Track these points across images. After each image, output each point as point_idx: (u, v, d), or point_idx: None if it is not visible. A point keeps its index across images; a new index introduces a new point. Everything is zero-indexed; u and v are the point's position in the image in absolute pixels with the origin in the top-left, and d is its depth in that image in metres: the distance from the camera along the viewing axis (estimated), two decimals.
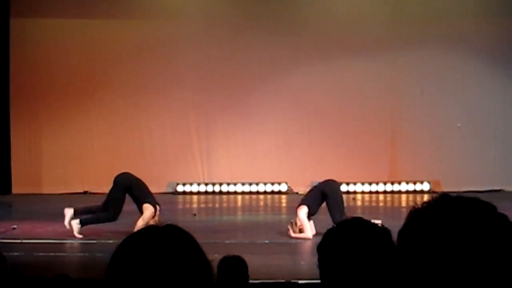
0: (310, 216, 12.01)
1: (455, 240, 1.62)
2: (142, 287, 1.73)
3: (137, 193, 12.18)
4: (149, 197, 12.18)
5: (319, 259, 2.69)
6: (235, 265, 6.11)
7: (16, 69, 18.78)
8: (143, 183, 12.34)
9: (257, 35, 18.55)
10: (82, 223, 12.04)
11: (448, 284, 1.61)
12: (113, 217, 12.14)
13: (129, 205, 12.99)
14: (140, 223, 11.42)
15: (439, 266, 1.62)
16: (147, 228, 1.85)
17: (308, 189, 13.05)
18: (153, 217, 11.93)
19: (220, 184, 18.75)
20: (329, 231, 2.73)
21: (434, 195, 1.73)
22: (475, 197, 1.73)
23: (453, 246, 1.62)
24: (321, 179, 12.78)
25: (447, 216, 1.65)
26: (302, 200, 12.23)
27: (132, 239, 1.81)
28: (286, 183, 18.28)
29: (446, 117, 18.47)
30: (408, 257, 1.67)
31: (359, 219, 2.76)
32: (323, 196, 12.12)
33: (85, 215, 12.22)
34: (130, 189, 12.17)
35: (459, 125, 18.31)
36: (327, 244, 2.68)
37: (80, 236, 11.90)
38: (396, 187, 18.53)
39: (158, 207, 12.17)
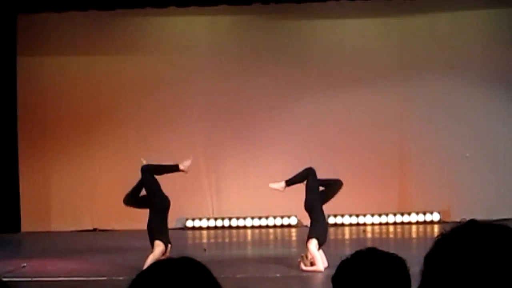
0: (320, 245, 12.02)
1: (483, 265, 1.60)
2: None
3: (158, 221, 12.14)
4: (163, 235, 12.12)
5: None
6: None
7: (24, 107, 18.84)
8: (167, 216, 12.39)
9: (264, 67, 18.57)
10: None
11: None
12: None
13: (138, 240, 12.97)
14: (150, 260, 11.35)
15: None
16: (163, 261, 1.84)
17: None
18: (164, 254, 11.88)
19: (230, 219, 18.68)
20: (343, 262, 2.71)
21: (463, 220, 1.72)
22: (502, 224, 1.72)
23: (481, 271, 1.60)
24: (330, 211, 12.80)
25: (475, 242, 1.64)
26: (309, 232, 12.23)
27: (149, 272, 1.80)
28: (296, 216, 18.21)
29: (455, 147, 18.41)
30: (435, 282, 1.66)
31: (373, 250, 2.73)
32: (322, 210, 12.29)
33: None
34: (158, 213, 12.18)
35: (467, 154, 18.26)
36: (341, 275, 2.66)
37: None
38: (406, 218, 18.44)
39: (169, 246, 12.12)
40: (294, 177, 12.70)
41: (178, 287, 1.74)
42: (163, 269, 1.80)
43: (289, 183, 12.67)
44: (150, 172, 12.42)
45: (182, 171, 12.65)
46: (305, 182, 12.59)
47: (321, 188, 12.62)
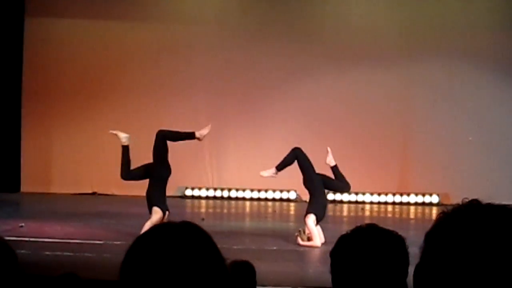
0: (318, 221, 12.03)
1: (484, 245, 1.59)
2: (159, 282, 1.71)
3: (157, 189, 12.13)
4: (161, 202, 12.12)
5: (331, 265, 2.66)
6: (243, 270, 6.07)
7: (29, 68, 18.81)
8: (166, 184, 12.36)
9: (270, 42, 18.52)
10: None
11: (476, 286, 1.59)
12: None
13: (137, 206, 12.97)
14: (148, 226, 11.36)
15: (467, 269, 1.59)
16: (163, 224, 1.83)
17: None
18: (161, 221, 11.89)
19: (229, 190, 18.72)
20: (342, 237, 2.71)
21: (464, 200, 1.71)
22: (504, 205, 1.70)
23: (482, 251, 1.59)
24: None
25: (477, 221, 1.63)
26: (308, 207, 12.24)
27: (149, 234, 1.79)
28: (295, 191, 18.22)
29: (458, 130, 18.38)
30: (434, 259, 1.65)
31: (373, 226, 2.73)
32: (322, 187, 12.27)
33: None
34: (159, 180, 12.15)
35: (470, 138, 18.24)
36: (340, 250, 2.65)
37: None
38: (405, 199, 18.46)
39: (167, 213, 12.14)
40: (283, 161, 12.67)
41: (178, 250, 1.73)
42: (163, 232, 1.79)
43: (280, 167, 12.65)
44: (164, 138, 12.36)
45: (198, 139, 12.55)
46: (296, 163, 12.57)
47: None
